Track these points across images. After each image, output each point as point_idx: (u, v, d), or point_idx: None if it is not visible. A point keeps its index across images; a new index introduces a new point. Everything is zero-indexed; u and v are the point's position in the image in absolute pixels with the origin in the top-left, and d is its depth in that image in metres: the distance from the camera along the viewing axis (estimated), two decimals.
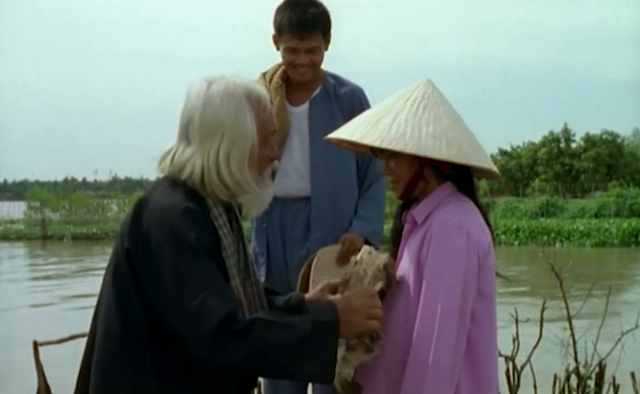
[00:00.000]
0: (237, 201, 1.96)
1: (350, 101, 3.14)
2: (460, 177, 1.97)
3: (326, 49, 3.13)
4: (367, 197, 3.18)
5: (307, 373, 1.77)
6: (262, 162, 1.94)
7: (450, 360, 1.82)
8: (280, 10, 3.07)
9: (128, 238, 1.84)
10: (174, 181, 1.90)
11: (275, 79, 3.18)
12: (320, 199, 3.12)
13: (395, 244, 2.10)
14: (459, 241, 1.87)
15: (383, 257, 1.99)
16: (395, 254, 2.09)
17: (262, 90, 1.96)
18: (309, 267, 2.98)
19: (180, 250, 1.77)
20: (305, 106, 3.16)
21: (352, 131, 2.01)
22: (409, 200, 2.04)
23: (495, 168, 1.99)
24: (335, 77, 3.23)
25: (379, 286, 1.94)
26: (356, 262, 2.00)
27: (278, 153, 2.02)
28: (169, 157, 1.93)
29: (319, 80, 3.18)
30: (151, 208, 1.84)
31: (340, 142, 2.15)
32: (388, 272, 1.96)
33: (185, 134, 1.91)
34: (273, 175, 2.09)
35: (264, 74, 3.25)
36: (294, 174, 3.15)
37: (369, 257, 2.00)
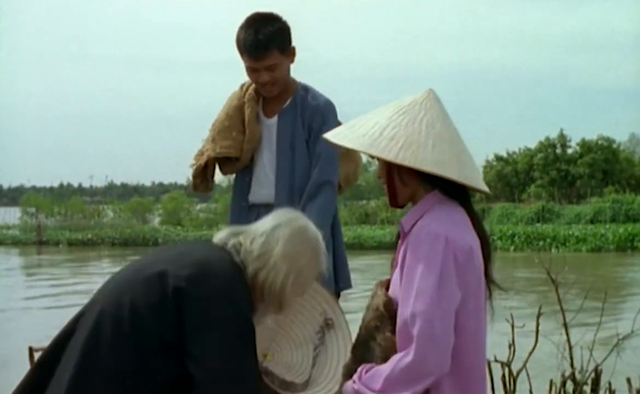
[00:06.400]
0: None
1: (312, 115, 3.22)
2: (448, 184, 1.90)
3: (291, 61, 3.21)
4: (310, 201, 3.14)
5: None
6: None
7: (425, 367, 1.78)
8: (239, 29, 3.15)
9: (183, 280, 1.95)
10: (233, 259, 2.09)
11: (250, 90, 3.30)
12: (281, 205, 3.15)
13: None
14: (435, 246, 1.82)
15: (380, 295, 1.97)
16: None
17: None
18: None
19: (239, 326, 1.97)
20: (275, 118, 3.27)
21: (336, 131, 2.02)
22: (397, 206, 2.02)
23: (467, 181, 1.88)
24: (307, 90, 3.30)
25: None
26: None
27: None
28: (238, 240, 2.14)
29: (290, 92, 3.28)
30: (216, 273, 1.99)
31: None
32: (388, 309, 1.92)
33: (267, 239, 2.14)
34: None
35: (242, 86, 3.37)
36: (265, 182, 3.29)
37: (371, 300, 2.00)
